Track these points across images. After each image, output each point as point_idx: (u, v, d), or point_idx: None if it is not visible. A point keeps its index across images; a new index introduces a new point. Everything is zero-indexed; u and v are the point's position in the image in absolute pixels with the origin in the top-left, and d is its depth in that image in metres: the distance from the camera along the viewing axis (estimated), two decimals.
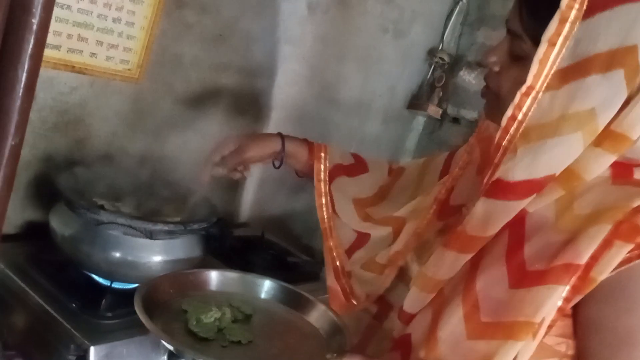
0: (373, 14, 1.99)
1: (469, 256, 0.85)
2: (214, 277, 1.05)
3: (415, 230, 1.02)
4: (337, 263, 1.16)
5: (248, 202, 1.90)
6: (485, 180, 0.84)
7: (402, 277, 1.03)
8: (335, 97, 2.03)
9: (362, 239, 1.16)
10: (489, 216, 0.83)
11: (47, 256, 1.27)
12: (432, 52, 2.28)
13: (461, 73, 2.28)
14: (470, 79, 2.26)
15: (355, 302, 1.11)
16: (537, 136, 0.79)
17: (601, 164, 0.79)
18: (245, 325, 0.95)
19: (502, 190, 0.81)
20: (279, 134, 1.22)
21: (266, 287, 1.07)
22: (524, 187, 0.80)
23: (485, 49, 0.89)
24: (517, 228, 0.83)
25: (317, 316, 1.01)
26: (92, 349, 1.06)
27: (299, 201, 2.01)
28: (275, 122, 1.84)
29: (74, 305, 1.15)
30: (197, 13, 1.51)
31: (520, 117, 0.79)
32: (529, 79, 0.78)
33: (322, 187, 1.20)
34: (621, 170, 0.81)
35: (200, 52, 1.56)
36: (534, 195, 0.81)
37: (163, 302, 0.95)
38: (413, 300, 0.92)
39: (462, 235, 0.85)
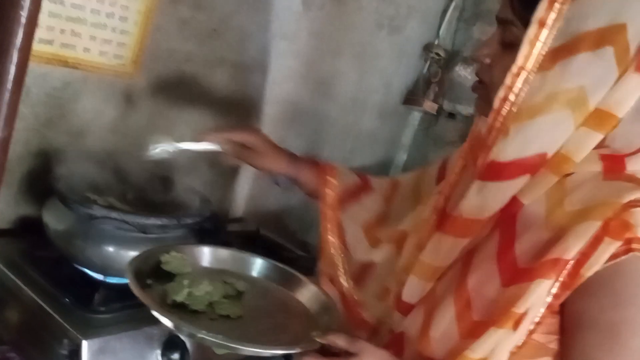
0: (368, 9, 1.99)
1: (465, 241, 0.86)
2: (207, 252, 1.06)
3: (417, 243, 0.99)
4: (345, 292, 1.14)
5: (243, 197, 1.90)
6: (479, 163, 0.85)
7: None
8: (331, 93, 2.03)
9: (369, 267, 1.14)
10: (484, 199, 0.83)
11: (41, 251, 1.27)
12: (427, 48, 2.28)
13: (457, 68, 2.28)
14: (466, 74, 2.26)
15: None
16: (527, 115, 0.79)
17: (589, 143, 0.79)
18: (237, 302, 0.96)
19: (495, 171, 0.82)
20: (292, 155, 1.20)
21: (259, 265, 1.07)
22: (515, 166, 0.81)
23: (476, 46, 0.89)
24: (508, 226, 0.84)
25: (309, 296, 1.02)
26: (84, 343, 1.06)
27: (294, 196, 2.01)
28: (270, 118, 1.84)
29: (67, 299, 1.15)
30: (192, 8, 1.51)
31: (512, 98, 0.80)
32: (519, 59, 0.79)
33: (329, 212, 1.18)
34: (612, 164, 0.81)
35: (194, 48, 1.56)
36: (527, 176, 0.81)
37: (155, 275, 0.95)
38: (412, 289, 0.92)
39: (459, 220, 0.86)
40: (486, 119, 0.95)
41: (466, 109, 2.26)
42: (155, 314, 0.84)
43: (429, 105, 2.29)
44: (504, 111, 0.81)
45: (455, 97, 2.29)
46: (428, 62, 2.31)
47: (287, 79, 1.85)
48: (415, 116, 2.43)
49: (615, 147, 0.81)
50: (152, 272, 0.95)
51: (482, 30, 2.25)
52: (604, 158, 0.81)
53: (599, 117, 0.78)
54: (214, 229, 1.28)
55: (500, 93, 0.81)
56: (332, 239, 1.18)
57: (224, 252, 1.07)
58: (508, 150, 0.81)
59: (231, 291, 0.97)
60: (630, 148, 0.81)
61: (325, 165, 1.22)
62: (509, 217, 0.84)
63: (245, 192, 1.91)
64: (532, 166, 0.81)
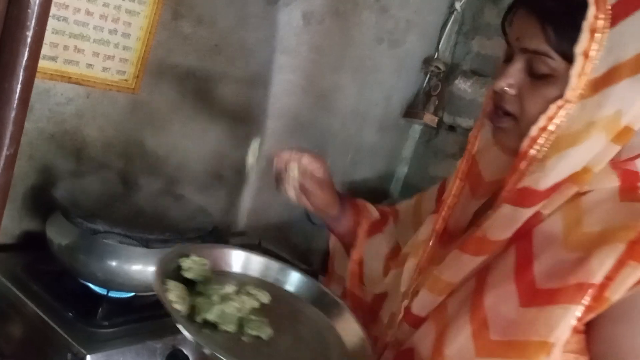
0: (368, 24, 2.01)
1: (482, 259, 0.86)
2: (237, 256, 1.01)
3: (417, 264, 0.99)
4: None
5: (245, 210, 1.91)
6: (507, 188, 0.85)
7: None
8: (332, 107, 2.04)
9: (382, 298, 1.12)
10: (514, 222, 0.84)
11: (44, 266, 1.28)
12: (427, 61, 2.30)
13: (457, 82, 2.29)
14: (465, 88, 2.27)
15: None
16: (567, 144, 0.80)
17: (608, 155, 0.81)
18: (263, 317, 0.90)
19: (529, 198, 0.83)
20: (338, 193, 1.17)
21: (292, 278, 1.03)
22: (549, 191, 0.82)
23: (497, 78, 0.87)
24: (525, 244, 0.84)
25: (343, 325, 0.96)
26: (88, 358, 1.06)
27: (296, 210, 2.01)
28: (271, 132, 1.85)
29: (70, 314, 1.16)
30: (193, 24, 1.53)
31: (552, 127, 0.81)
32: (568, 93, 0.79)
33: (360, 241, 1.18)
34: (628, 180, 0.82)
35: (196, 63, 1.58)
36: (556, 192, 0.82)
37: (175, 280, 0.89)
38: (423, 302, 0.92)
39: (483, 240, 0.86)
40: (489, 143, 0.96)
41: (466, 122, 2.28)
42: (187, 335, 0.77)
43: (429, 118, 2.30)
44: (541, 140, 0.82)
45: (455, 110, 2.30)
46: (428, 76, 2.33)
47: (288, 93, 1.86)
48: (416, 129, 2.44)
49: (629, 155, 0.82)
50: (172, 277, 0.88)
51: (481, 44, 2.27)
52: (621, 173, 0.82)
53: (621, 132, 0.80)
54: (216, 242, 1.29)
55: (540, 122, 0.81)
56: (351, 281, 1.17)
57: (255, 258, 1.02)
58: (548, 179, 0.81)
59: (255, 303, 0.92)
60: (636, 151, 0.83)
61: (360, 203, 1.22)
62: (525, 233, 0.84)
63: (247, 206, 1.91)
64: (562, 185, 0.82)
